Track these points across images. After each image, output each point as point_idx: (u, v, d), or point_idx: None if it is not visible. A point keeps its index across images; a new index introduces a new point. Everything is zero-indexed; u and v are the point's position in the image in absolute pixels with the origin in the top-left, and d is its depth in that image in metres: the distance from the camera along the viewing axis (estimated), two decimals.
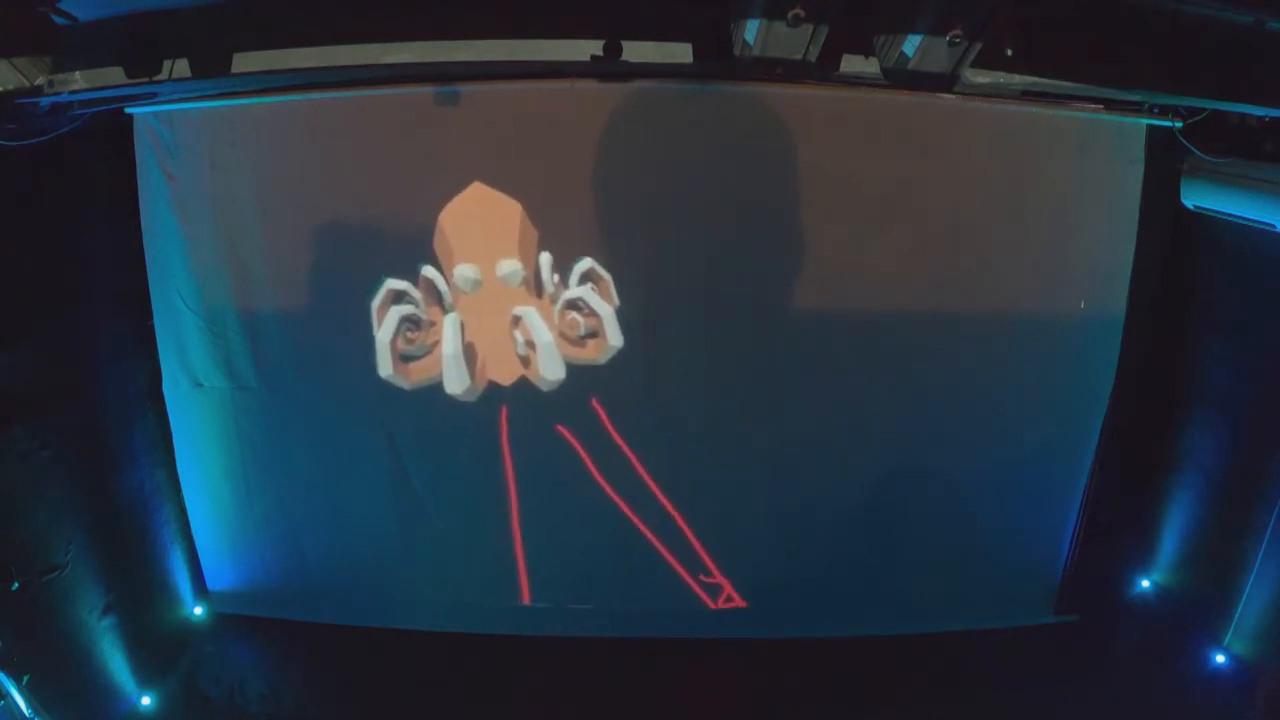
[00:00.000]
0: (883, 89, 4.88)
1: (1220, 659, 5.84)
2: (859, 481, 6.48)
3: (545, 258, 5.76)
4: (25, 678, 4.81)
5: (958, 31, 3.59)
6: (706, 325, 6.11)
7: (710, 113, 5.68)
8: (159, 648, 6.23)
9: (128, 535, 6.12)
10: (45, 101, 4.34)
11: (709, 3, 3.97)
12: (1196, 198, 5.55)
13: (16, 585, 4.98)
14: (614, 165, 5.78)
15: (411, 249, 5.81)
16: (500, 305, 5.70)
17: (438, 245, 5.77)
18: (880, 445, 6.40)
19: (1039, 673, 6.38)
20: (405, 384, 5.87)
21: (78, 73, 4.22)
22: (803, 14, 3.46)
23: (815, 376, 6.23)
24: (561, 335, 5.66)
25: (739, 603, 6.70)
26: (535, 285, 5.70)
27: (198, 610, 6.76)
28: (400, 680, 6.45)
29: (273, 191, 5.92)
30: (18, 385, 5.18)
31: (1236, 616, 5.73)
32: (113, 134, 5.75)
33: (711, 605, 6.67)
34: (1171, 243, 6.05)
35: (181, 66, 4.20)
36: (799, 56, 3.72)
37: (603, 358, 5.81)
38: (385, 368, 5.86)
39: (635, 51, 4.26)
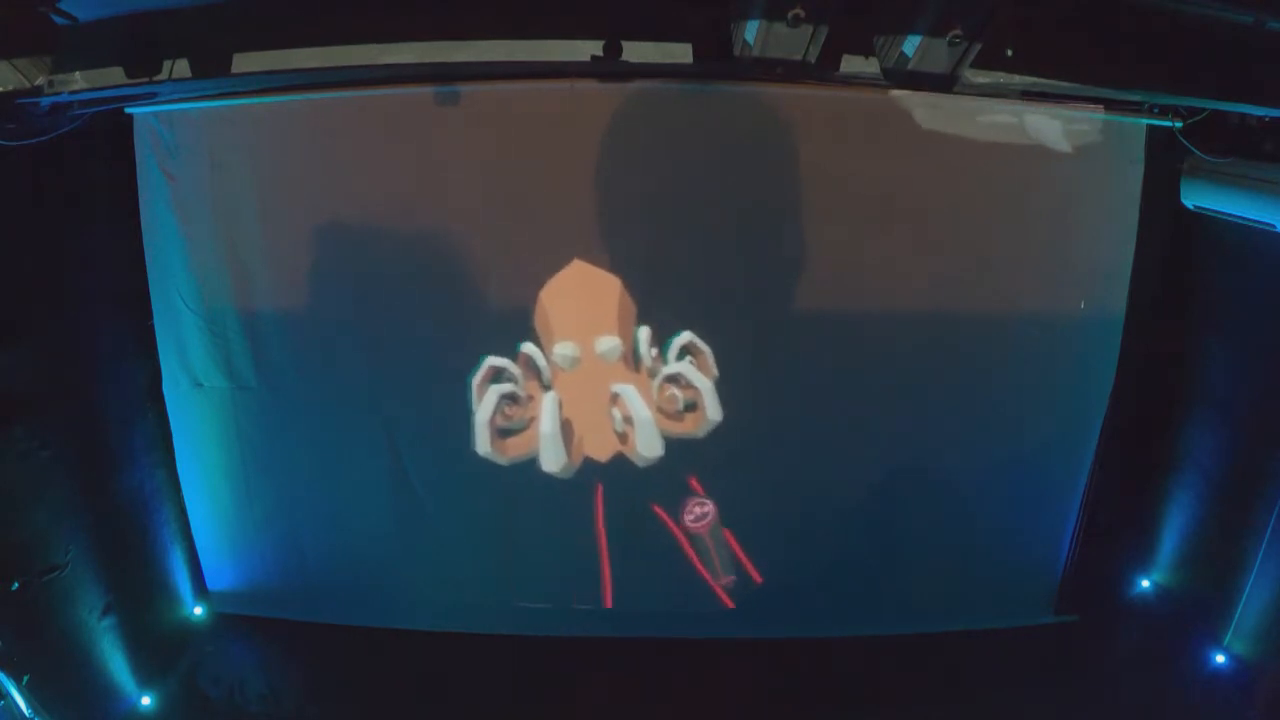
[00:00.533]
0: (883, 89, 4.88)
1: (1220, 659, 5.84)
2: (859, 481, 6.48)
3: (644, 332, 5.71)
4: (25, 678, 4.81)
5: (958, 31, 3.59)
6: (705, 323, 6.10)
7: (710, 113, 5.68)
8: (159, 648, 6.23)
9: (128, 535, 6.12)
10: (45, 101, 4.34)
11: (709, 3, 3.97)
12: (1196, 198, 5.55)
13: (16, 585, 4.99)
14: (614, 165, 5.78)
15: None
16: (598, 382, 5.66)
17: (538, 322, 5.72)
18: (880, 445, 6.40)
19: (1039, 673, 6.38)
20: (502, 460, 5.79)
21: (78, 73, 4.22)
22: (803, 14, 3.47)
23: (814, 376, 6.22)
24: (659, 410, 5.61)
25: (729, 604, 6.70)
26: (633, 360, 5.65)
27: (198, 610, 6.76)
28: (400, 680, 6.45)
29: (273, 191, 5.92)
30: (18, 385, 5.18)
31: (1236, 616, 5.73)
32: (113, 134, 5.75)
33: (730, 605, 6.65)
34: (1171, 243, 6.04)
35: (181, 66, 4.20)
36: (799, 57, 3.72)
37: (702, 432, 5.75)
38: (484, 445, 5.78)
39: (635, 51, 4.26)
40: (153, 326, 6.22)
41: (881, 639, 6.69)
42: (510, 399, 5.55)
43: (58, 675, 5.26)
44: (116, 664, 5.82)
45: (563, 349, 5.56)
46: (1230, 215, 5.30)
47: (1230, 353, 5.88)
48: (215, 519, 6.66)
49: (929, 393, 6.23)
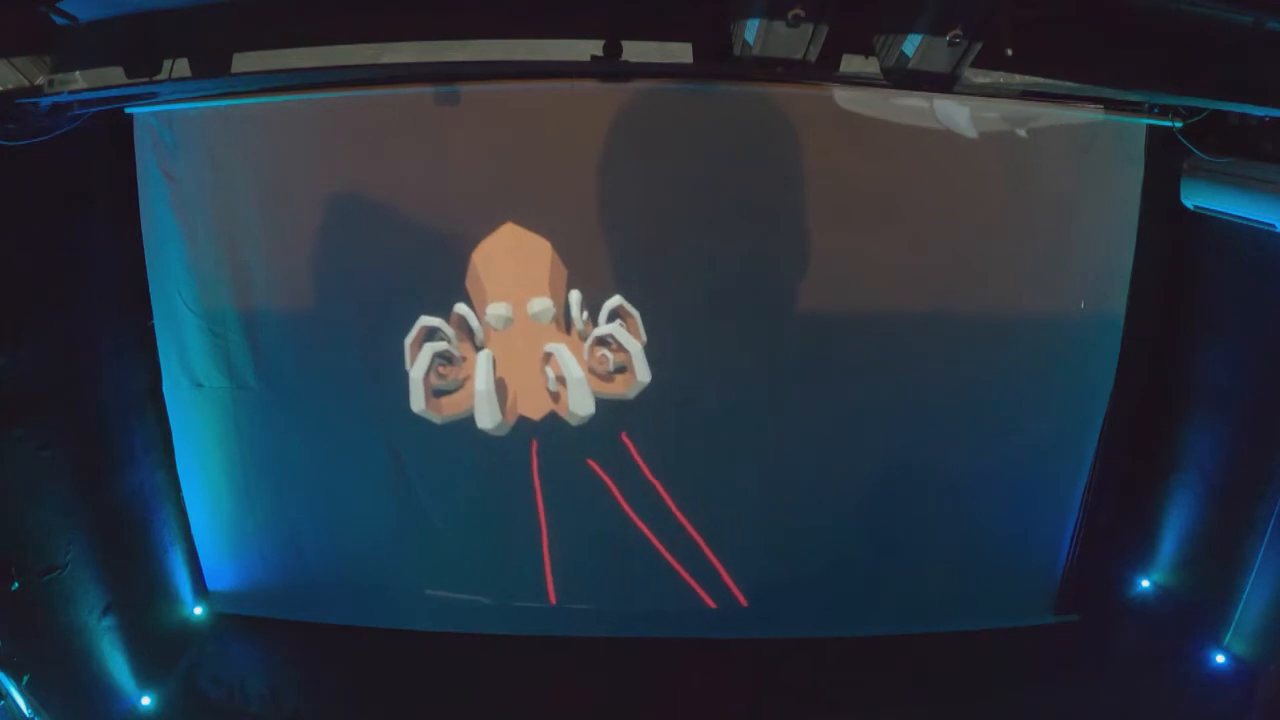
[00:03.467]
0: (883, 89, 4.89)
1: (1220, 659, 5.84)
2: (858, 481, 6.48)
3: (575, 295, 5.80)
4: (25, 678, 4.81)
5: (958, 31, 3.59)
6: (705, 323, 6.10)
7: (710, 113, 5.67)
8: (159, 648, 6.22)
9: (128, 535, 6.12)
10: (45, 101, 4.35)
11: (709, 3, 3.97)
12: (1196, 198, 5.55)
13: (16, 585, 4.98)
14: (614, 165, 5.78)
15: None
16: (531, 342, 5.76)
17: (470, 283, 5.81)
18: (880, 445, 6.39)
19: (1039, 673, 6.38)
20: (437, 418, 5.88)
21: (78, 73, 4.22)
22: (803, 14, 3.47)
23: (814, 376, 6.22)
24: (591, 371, 5.71)
25: (739, 602, 6.69)
26: (565, 322, 5.75)
27: (198, 610, 6.76)
28: (400, 680, 6.45)
29: (273, 191, 5.92)
30: (18, 385, 5.17)
31: (1236, 616, 5.73)
32: (113, 134, 5.75)
33: (712, 605, 6.66)
34: (1171, 243, 6.05)
35: (181, 66, 4.20)
36: (799, 56, 3.72)
37: (631, 393, 5.85)
38: (418, 403, 5.86)
39: (635, 51, 4.26)
40: (153, 326, 6.23)
41: (881, 639, 6.69)
42: (444, 358, 5.65)
43: (58, 675, 5.26)
44: (116, 664, 5.82)
45: (495, 309, 5.64)
46: (1230, 215, 5.30)
47: (1230, 353, 5.88)
48: (215, 519, 6.66)
49: (929, 393, 6.22)
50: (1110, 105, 5.57)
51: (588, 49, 4.24)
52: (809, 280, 6.05)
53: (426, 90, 5.54)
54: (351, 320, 6.14)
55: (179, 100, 5.55)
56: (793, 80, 5.33)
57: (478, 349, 5.70)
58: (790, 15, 3.46)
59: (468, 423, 6.03)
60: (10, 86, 3.87)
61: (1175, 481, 6.34)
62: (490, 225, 5.92)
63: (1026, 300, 6.13)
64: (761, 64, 3.76)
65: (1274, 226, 4.92)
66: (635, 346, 5.75)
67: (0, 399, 5.07)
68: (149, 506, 6.34)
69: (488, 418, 5.84)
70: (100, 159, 5.76)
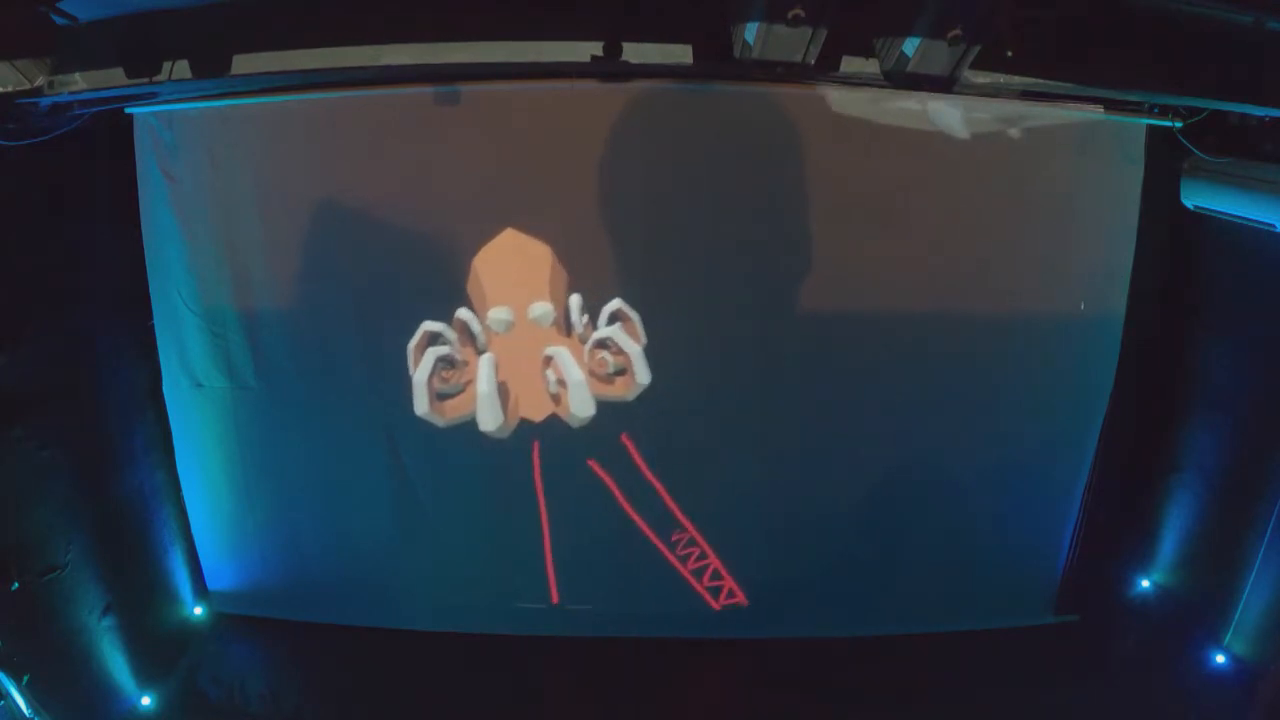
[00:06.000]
0: (883, 90, 4.89)
1: (1220, 659, 5.84)
2: (858, 481, 6.48)
3: (575, 299, 5.84)
4: (25, 678, 4.81)
5: (957, 32, 3.59)
6: (705, 322, 6.10)
7: (710, 113, 5.67)
8: (159, 648, 6.23)
9: (128, 535, 6.12)
10: (45, 101, 4.35)
11: (709, 3, 3.97)
12: (1196, 198, 5.55)
13: (16, 585, 4.98)
14: (614, 165, 5.78)
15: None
16: (532, 345, 5.81)
17: (471, 288, 5.85)
18: (880, 445, 6.40)
19: (1039, 673, 6.37)
20: (440, 421, 5.92)
21: (78, 73, 4.23)
22: (802, 14, 3.47)
23: (814, 376, 6.22)
24: (591, 373, 5.76)
25: (741, 602, 6.69)
26: (565, 325, 5.80)
27: (198, 610, 6.76)
28: (400, 680, 6.45)
29: (273, 191, 5.91)
30: (18, 385, 5.17)
31: (1236, 616, 5.73)
32: (113, 134, 5.74)
33: (715, 606, 6.66)
34: (1171, 243, 6.05)
35: (181, 66, 4.21)
36: (799, 58, 3.72)
37: (631, 395, 5.89)
38: (422, 406, 5.90)
39: (635, 52, 4.26)
40: (153, 326, 6.22)
41: (881, 639, 6.69)
42: (447, 362, 5.71)
43: (58, 675, 5.26)
44: (116, 664, 5.82)
45: (497, 313, 5.70)
46: (1230, 215, 5.30)
47: (1230, 353, 5.88)
48: (215, 519, 6.66)
49: (929, 393, 6.22)
50: (1110, 105, 5.56)
51: (588, 49, 4.25)
52: (808, 280, 6.05)
53: (426, 90, 5.53)
54: (351, 320, 6.14)
55: (179, 100, 5.55)
56: (793, 81, 5.33)
57: (479, 353, 5.74)
58: (790, 16, 3.46)
59: (470, 425, 6.05)
60: (10, 87, 3.86)
61: (1175, 481, 6.34)
62: (490, 224, 5.92)
63: (1026, 300, 6.12)
64: (761, 65, 3.76)
65: (1274, 226, 4.92)
66: (635, 349, 5.78)
67: (0, 399, 5.07)
68: (149, 506, 6.34)
69: (490, 420, 5.88)
70: (100, 159, 5.75)
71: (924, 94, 5.44)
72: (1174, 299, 6.18)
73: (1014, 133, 5.72)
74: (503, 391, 5.83)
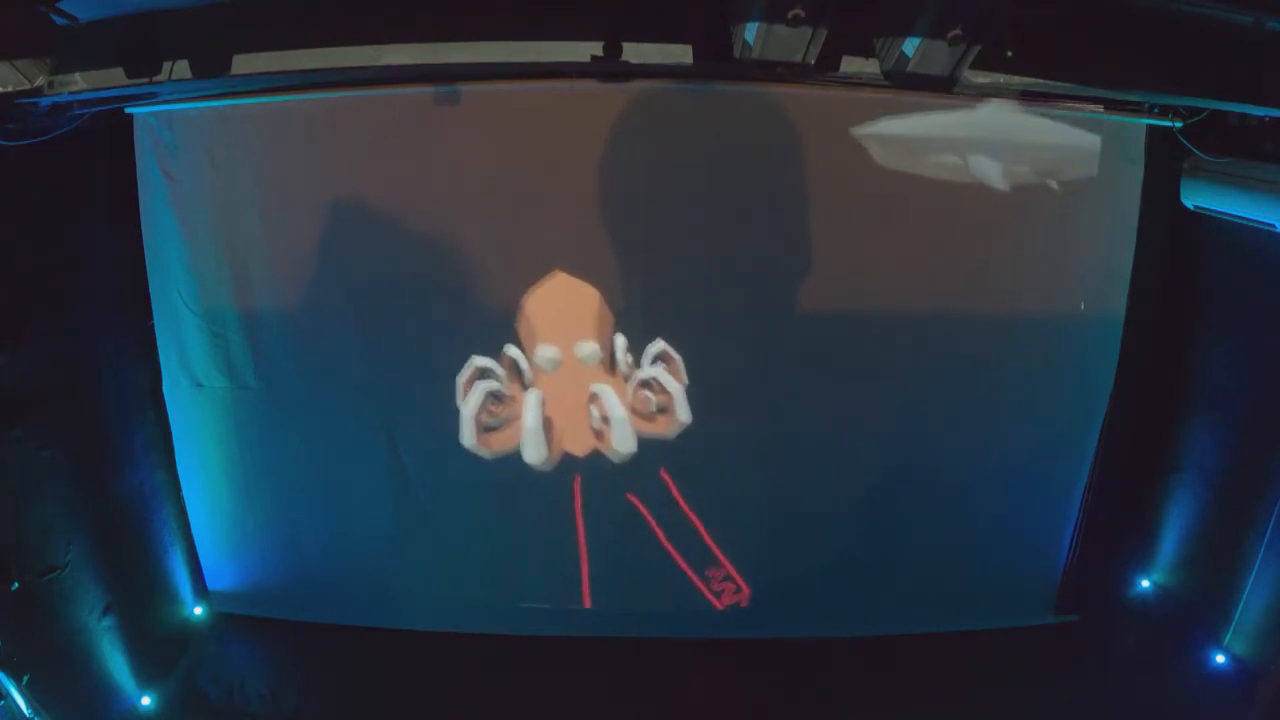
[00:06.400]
0: (883, 90, 4.89)
1: (1220, 659, 5.85)
2: (858, 482, 6.48)
3: (620, 339, 5.97)
4: (25, 678, 4.81)
5: (957, 32, 3.59)
6: (705, 322, 6.10)
7: (710, 113, 5.67)
8: (159, 648, 6.23)
9: (128, 535, 6.12)
10: (45, 101, 4.35)
11: (709, 3, 3.97)
12: (1196, 198, 5.55)
13: (16, 585, 4.98)
14: (614, 165, 5.78)
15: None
16: (578, 383, 5.96)
17: (521, 327, 5.98)
18: (880, 445, 6.40)
19: (1039, 673, 6.38)
20: (486, 453, 6.06)
21: (78, 73, 4.23)
22: (802, 15, 3.47)
23: (814, 376, 6.22)
24: (634, 411, 5.94)
25: (741, 603, 6.69)
26: (610, 364, 5.95)
27: (198, 610, 6.76)
28: (400, 680, 6.45)
29: (273, 191, 5.91)
30: (18, 385, 5.17)
31: (1236, 616, 5.73)
32: (113, 134, 5.74)
33: (718, 606, 6.67)
34: (1171, 243, 6.05)
35: (181, 67, 4.21)
36: (799, 58, 3.72)
37: (672, 433, 6.05)
38: (468, 438, 6.05)
39: (635, 52, 4.26)
40: (153, 326, 6.22)
41: (881, 639, 6.69)
42: (495, 396, 5.87)
43: (58, 675, 5.26)
44: (116, 664, 5.82)
45: (545, 351, 5.87)
46: (1230, 215, 5.30)
47: (1230, 353, 5.89)
48: (215, 519, 6.66)
49: (929, 393, 6.23)
50: (1110, 105, 5.57)
51: (588, 49, 4.25)
52: (808, 279, 6.05)
53: (426, 90, 5.53)
54: (351, 320, 6.14)
55: (179, 100, 5.55)
56: (793, 81, 5.32)
57: (526, 388, 5.89)
58: (790, 16, 3.46)
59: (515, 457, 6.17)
60: (10, 87, 3.87)
61: (1175, 481, 6.34)
62: (490, 224, 5.92)
63: (1026, 300, 6.13)
64: (761, 65, 3.76)
65: (1274, 226, 4.92)
66: (677, 388, 5.95)
67: (0, 399, 5.07)
68: (149, 506, 6.34)
69: (534, 453, 6.05)
70: (100, 159, 5.75)
71: (966, 148, 5.63)
72: (1174, 299, 6.18)
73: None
74: (547, 426, 5.99)
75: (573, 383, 5.94)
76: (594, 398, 5.94)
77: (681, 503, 6.33)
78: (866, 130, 5.61)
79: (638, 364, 5.92)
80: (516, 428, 6.00)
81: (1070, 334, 6.21)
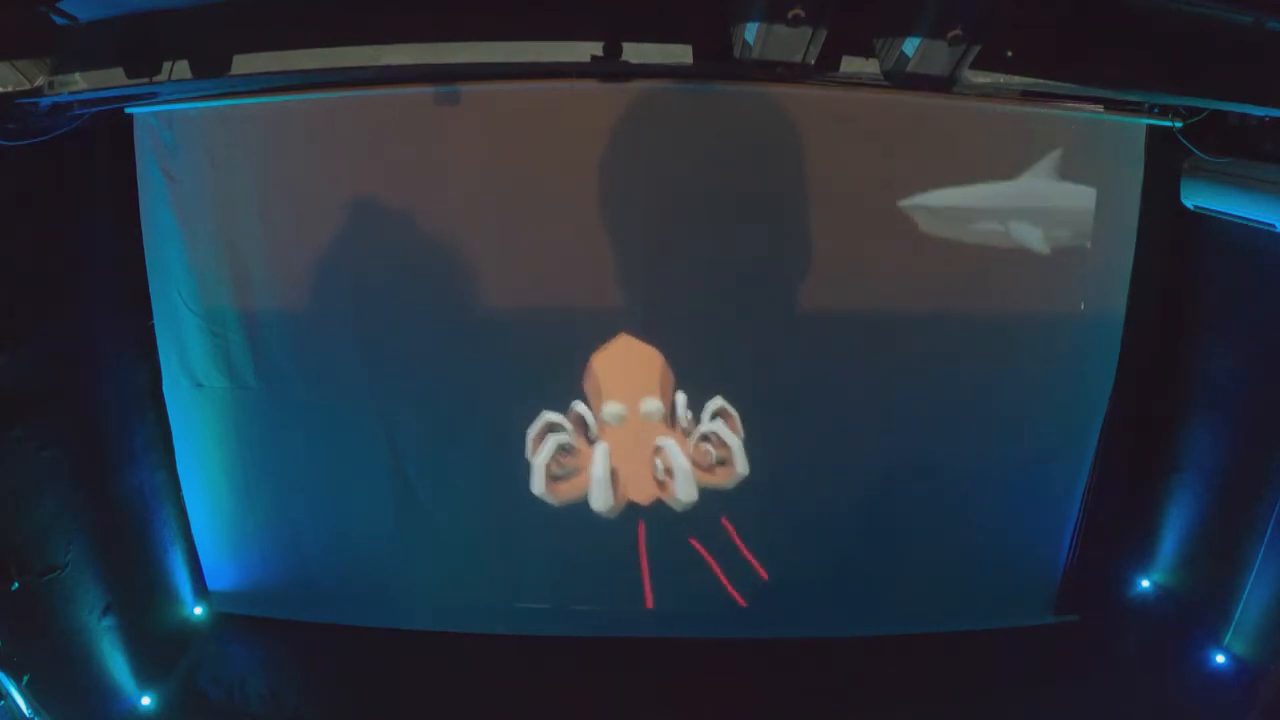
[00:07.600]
0: (883, 90, 4.89)
1: (1220, 659, 5.84)
2: (858, 482, 6.48)
3: (680, 396, 6.22)
4: (25, 678, 4.81)
5: (957, 32, 3.59)
6: (706, 322, 6.11)
7: (710, 113, 5.67)
8: (159, 648, 6.22)
9: (128, 535, 6.12)
10: (45, 101, 4.34)
11: (709, 3, 3.97)
12: (1196, 198, 5.55)
13: (16, 585, 4.98)
14: (614, 165, 5.78)
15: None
16: (642, 437, 6.23)
17: (588, 385, 6.23)
18: (880, 445, 6.39)
19: (1039, 673, 6.38)
20: (553, 500, 6.32)
21: (78, 73, 4.22)
22: (802, 15, 3.46)
23: (814, 376, 6.22)
24: (695, 464, 6.25)
25: (739, 602, 6.70)
26: (671, 420, 6.21)
27: (198, 610, 6.76)
28: (400, 680, 6.45)
29: (273, 191, 5.91)
30: (18, 385, 5.17)
31: (1236, 616, 5.73)
32: (113, 134, 5.73)
33: (743, 603, 6.70)
34: (1171, 243, 6.05)
35: (181, 67, 4.20)
36: (799, 58, 3.72)
37: (731, 484, 6.30)
38: (538, 487, 6.30)
39: (635, 52, 4.26)
40: (153, 326, 6.22)
41: (881, 639, 6.69)
42: (564, 449, 6.22)
43: (58, 675, 5.25)
44: (116, 664, 5.81)
45: (611, 408, 6.20)
46: (1230, 215, 5.30)
47: (1230, 353, 5.88)
48: (215, 519, 6.65)
49: (929, 393, 6.22)
50: (1110, 105, 5.57)
51: (588, 49, 4.24)
52: (808, 279, 6.05)
53: (426, 90, 5.53)
54: (351, 320, 6.14)
55: (179, 100, 5.55)
56: (793, 81, 5.33)
57: (591, 442, 6.21)
58: (790, 16, 3.46)
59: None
60: (10, 87, 3.86)
61: (1175, 481, 6.34)
62: (489, 224, 5.93)
63: (1026, 300, 6.13)
64: (761, 65, 3.76)
65: (1274, 226, 4.92)
66: (735, 442, 6.23)
67: (0, 399, 5.07)
68: (149, 506, 6.34)
69: (601, 502, 6.31)
70: (100, 159, 5.75)
71: (1007, 215, 5.93)
72: (1174, 299, 6.18)
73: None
74: (613, 477, 6.23)
75: (637, 437, 6.23)
76: (659, 450, 6.23)
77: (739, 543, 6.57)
78: (913, 201, 5.87)
79: (697, 419, 6.23)
80: (582, 478, 6.29)
81: (1070, 334, 6.21)
